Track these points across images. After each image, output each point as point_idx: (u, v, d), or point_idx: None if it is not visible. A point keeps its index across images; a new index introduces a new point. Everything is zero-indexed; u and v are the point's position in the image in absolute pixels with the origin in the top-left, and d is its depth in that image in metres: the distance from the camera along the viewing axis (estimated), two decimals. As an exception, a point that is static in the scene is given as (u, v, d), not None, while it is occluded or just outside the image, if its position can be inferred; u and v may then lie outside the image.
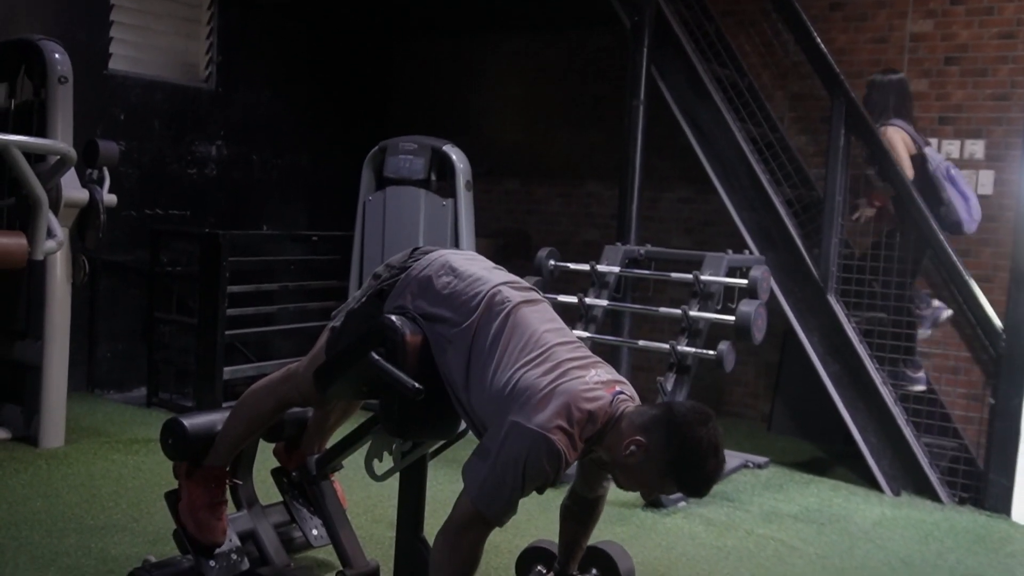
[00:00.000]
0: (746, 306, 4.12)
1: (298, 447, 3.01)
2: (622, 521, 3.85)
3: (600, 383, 2.25)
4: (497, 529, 2.22)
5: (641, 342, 4.60)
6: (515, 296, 2.39)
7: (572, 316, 4.32)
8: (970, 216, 4.65)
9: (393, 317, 2.38)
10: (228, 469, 2.84)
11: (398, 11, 6.86)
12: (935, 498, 4.44)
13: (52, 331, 4.29)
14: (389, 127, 6.52)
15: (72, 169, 4.10)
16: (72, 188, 4.20)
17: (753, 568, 3.47)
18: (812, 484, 4.64)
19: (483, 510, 2.17)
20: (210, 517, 2.74)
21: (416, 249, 2.60)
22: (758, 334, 4.15)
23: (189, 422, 2.80)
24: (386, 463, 2.58)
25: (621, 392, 2.28)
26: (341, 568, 2.78)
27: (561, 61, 6.63)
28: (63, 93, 4.21)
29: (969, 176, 4.95)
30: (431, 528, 2.33)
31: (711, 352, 4.14)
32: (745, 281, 4.25)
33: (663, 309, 4.53)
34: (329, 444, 2.91)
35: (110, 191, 4.33)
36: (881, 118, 4.73)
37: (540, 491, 2.23)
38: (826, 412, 4.75)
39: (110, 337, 5.56)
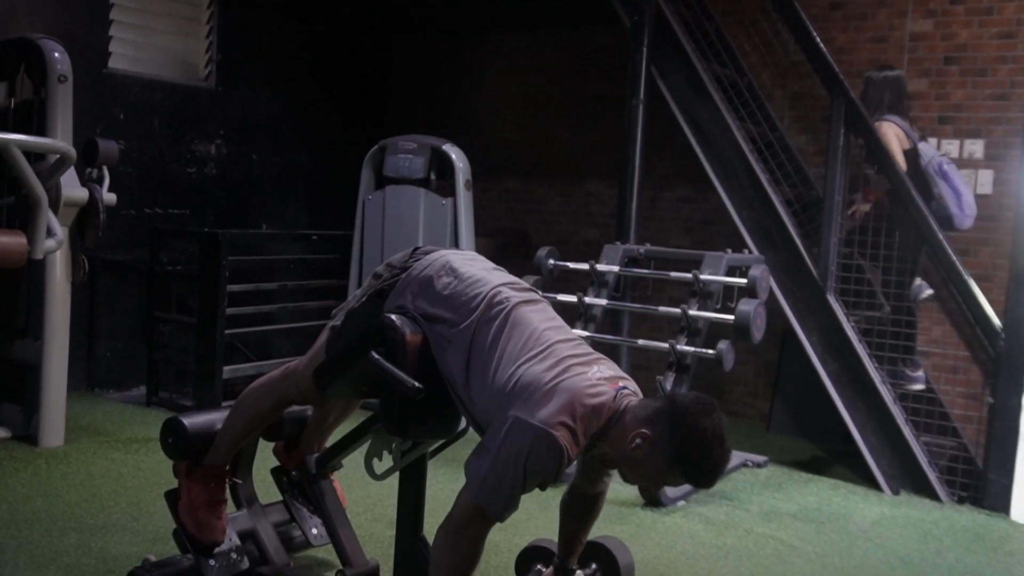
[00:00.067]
0: (745, 305, 4.12)
1: (298, 446, 3.00)
2: (621, 520, 3.86)
3: (603, 379, 2.26)
4: (496, 528, 2.22)
5: (640, 341, 4.60)
6: (515, 296, 2.39)
7: (571, 315, 4.32)
8: (962, 211, 4.66)
9: (393, 316, 2.38)
10: (228, 468, 2.84)
11: (398, 10, 6.87)
12: (934, 497, 4.44)
13: (52, 330, 4.29)
14: (389, 126, 6.52)
15: (72, 168, 4.10)
16: (72, 187, 4.19)
17: (752, 567, 3.48)
18: (811, 483, 4.64)
19: (484, 505, 2.18)
20: (210, 516, 2.74)
21: (417, 249, 2.60)
22: (757, 333, 4.15)
23: (189, 421, 2.80)
24: (386, 462, 2.58)
25: (624, 387, 2.28)
26: (341, 567, 2.78)
27: (561, 60, 6.63)
28: (63, 92, 4.21)
29: (968, 175, 4.95)
30: (431, 527, 2.33)
31: (710, 351, 4.14)
32: (744, 280, 4.25)
33: (662, 308, 4.53)
34: (329, 443, 2.91)
35: (110, 190, 4.33)
36: (876, 114, 4.75)
37: (542, 488, 2.23)
38: (825, 411, 4.75)
39: (110, 336, 5.56)
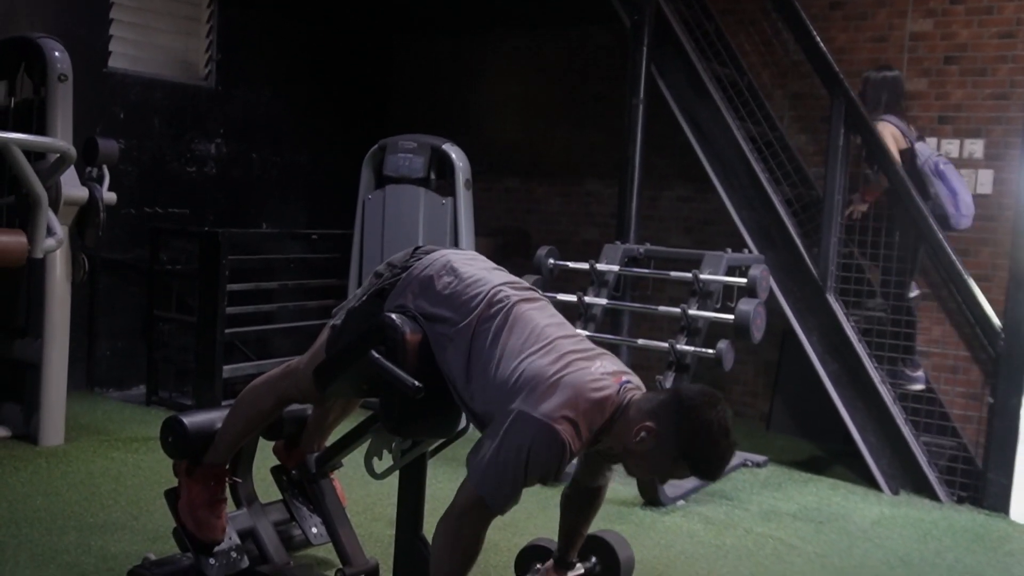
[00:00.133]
0: (745, 305, 4.12)
1: (298, 445, 3.00)
2: (621, 519, 3.85)
3: (606, 373, 2.26)
4: (496, 527, 2.23)
5: (640, 341, 4.60)
6: (515, 295, 2.40)
7: (571, 315, 4.32)
8: (958, 211, 4.66)
9: (393, 315, 2.38)
10: (228, 467, 2.84)
11: (398, 10, 6.87)
12: (934, 497, 4.44)
13: (52, 329, 4.30)
14: (389, 125, 6.52)
15: (72, 167, 4.09)
16: (72, 186, 4.19)
17: (752, 566, 3.48)
18: (811, 483, 4.65)
19: (485, 496, 2.18)
20: (210, 515, 2.74)
21: (418, 248, 2.60)
22: (757, 333, 4.15)
23: (189, 420, 2.80)
24: (386, 461, 2.58)
25: (628, 381, 2.28)
26: (340, 566, 2.78)
27: (561, 60, 6.63)
28: (63, 91, 4.21)
29: (968, 175, 4.95)
30: (431, 527, 2.33)
31: (710, 351, 4.14)
32: (744, 280, 4.25)
33: (662, 308, 4.53)
34: (329, 442, 2.91)
35: (110, 189, 4.33)
36: (873, 113, 4.76)
37: (544, 482, 2.23)
38: (825, 411, 4.75)
39: (110, 335, 5.56)
